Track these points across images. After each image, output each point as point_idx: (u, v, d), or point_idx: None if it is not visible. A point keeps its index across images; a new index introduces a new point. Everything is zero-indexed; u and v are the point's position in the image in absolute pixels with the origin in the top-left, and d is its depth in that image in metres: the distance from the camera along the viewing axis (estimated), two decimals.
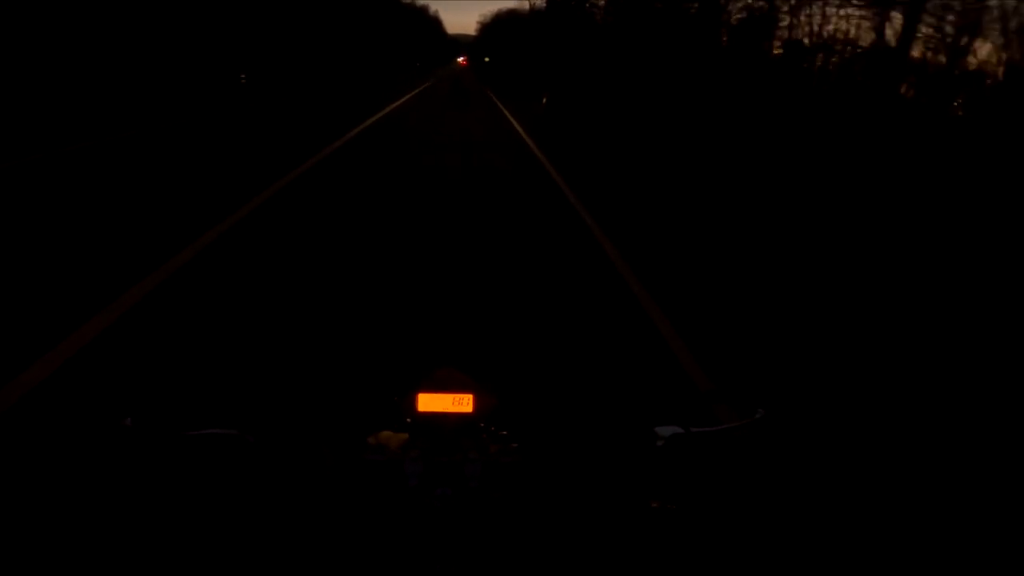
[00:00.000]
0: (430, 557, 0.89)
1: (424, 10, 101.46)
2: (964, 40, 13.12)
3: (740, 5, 19.74)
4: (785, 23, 17.83)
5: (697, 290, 4.83)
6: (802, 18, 17.26)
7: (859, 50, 15.60)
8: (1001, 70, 12.26)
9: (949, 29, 13.37)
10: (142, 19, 19.37)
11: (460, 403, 0.94)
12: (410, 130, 15.14)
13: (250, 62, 24.79)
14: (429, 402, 0.94)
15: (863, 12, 15.39)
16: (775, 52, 18.20)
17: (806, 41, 17.18)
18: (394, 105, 21.73)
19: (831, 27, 16.67)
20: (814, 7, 16.80)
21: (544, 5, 37.61)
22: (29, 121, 11.17)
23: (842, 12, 16.13)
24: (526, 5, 44.79)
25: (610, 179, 9.78)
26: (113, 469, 2.12)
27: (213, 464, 0.95)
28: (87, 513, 2.01)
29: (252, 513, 0.95)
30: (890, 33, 14.64)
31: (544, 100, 22.93)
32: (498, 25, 70.37)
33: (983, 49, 12.70)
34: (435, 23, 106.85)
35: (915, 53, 13.99)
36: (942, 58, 13.47)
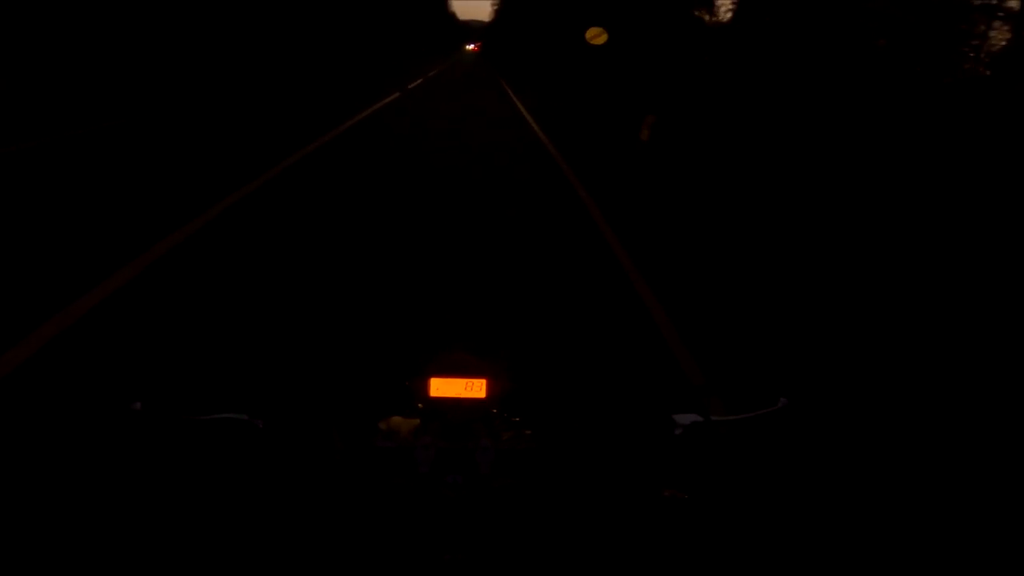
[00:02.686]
0: (440, 544, 0.87)
1: None
2: None
3: None
4: None
5: None
6: None
7: None
8: None
9: None
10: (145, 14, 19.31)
11: (473, 388, 0.92)
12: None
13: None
14: (441, 387, 0.92)
15: None
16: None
17: None
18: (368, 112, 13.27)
19: None
20: None
21: None
22: (67, 102, 11.42)
23: None
24: None
25: None
26: (122, 453, 2.13)
27: (222, 449, 0.93)
28: (95, 497, 2.01)
29: (261, 498, 0.93)
30: None
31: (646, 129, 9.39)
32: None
33: None
34: (439, 4, 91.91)
35: None
36: None
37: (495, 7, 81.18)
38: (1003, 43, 13.47)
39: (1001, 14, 13.53)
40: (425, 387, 0.92)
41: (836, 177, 8.97)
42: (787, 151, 10.72)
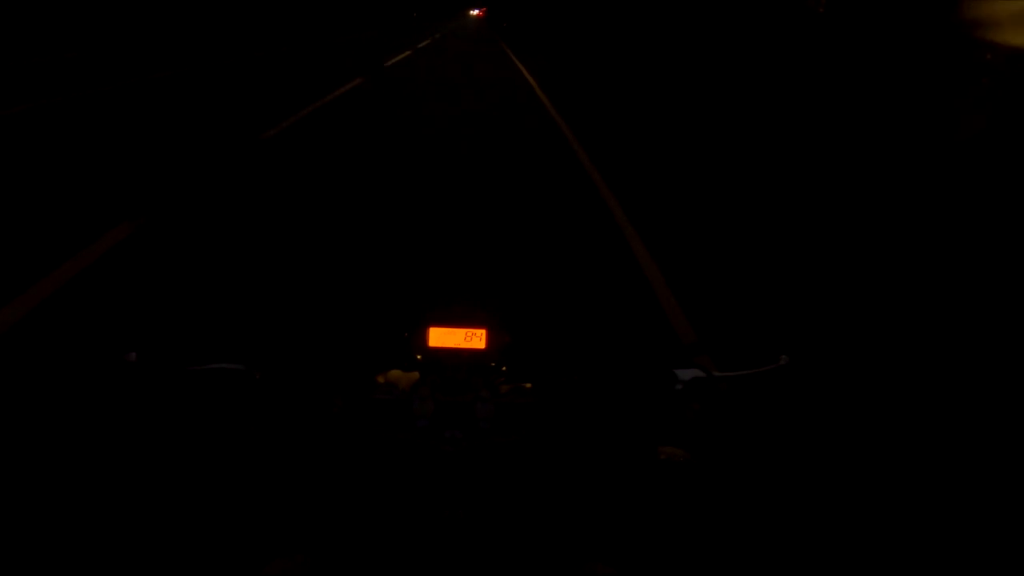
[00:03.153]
0: (439, 499, 0.87)
1: None
2: None
3: None
4: None
5: None
6: None
7: None
8: None
9: None
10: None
11: (472, 338, 0.90)
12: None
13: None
14: (441, 337, 0.90)
15: None
16: None
17: None
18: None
19: None
20: None
21: None
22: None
23: None
24: None
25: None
26: (117, 403, 2.13)
27: (218, 400, 0.93)
28: (91, 448, 2.02)
29: (257, 450, 0.93)
30: None
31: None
32: None
33: None
34: None
35: None
36: None
37: None
38: None
39: None
40: (424, 337, 0.91)
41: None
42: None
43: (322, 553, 0.88)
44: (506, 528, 0.89)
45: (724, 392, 0.97)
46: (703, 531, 1.89)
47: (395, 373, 0.96)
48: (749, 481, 2.15)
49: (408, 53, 20.79)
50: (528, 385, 0.95)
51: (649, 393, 0.95)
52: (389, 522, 0.87)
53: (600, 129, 9.30)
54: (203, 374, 0.92)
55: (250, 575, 0.86)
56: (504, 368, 0.95)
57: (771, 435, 2.37)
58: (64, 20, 17.73)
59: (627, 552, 1.38)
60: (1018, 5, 7.97)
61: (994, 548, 2.03)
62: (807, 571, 1.91)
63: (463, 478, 0.88)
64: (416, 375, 0.94)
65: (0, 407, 2.23)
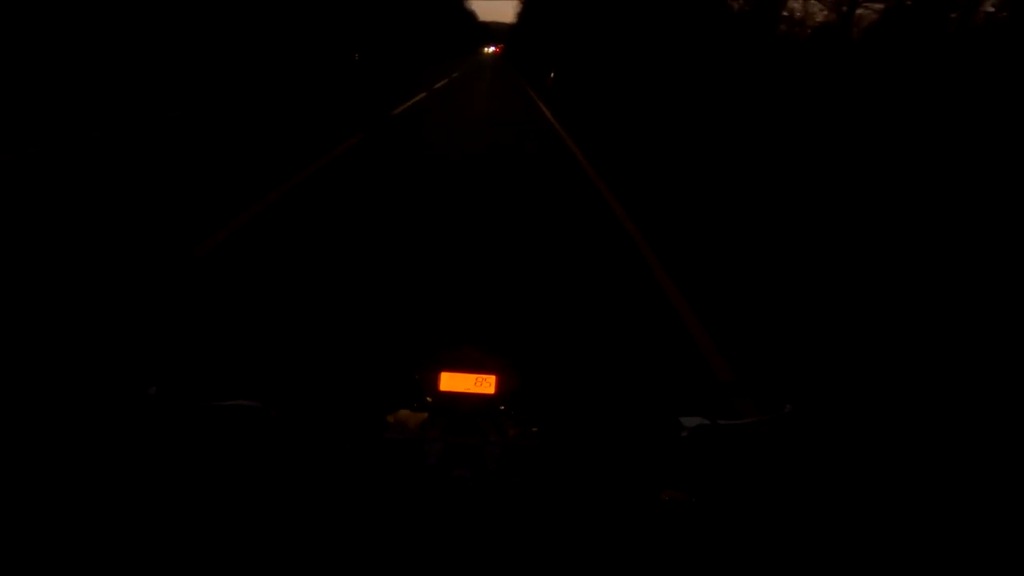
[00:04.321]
0: (445, 539, 0.88)
1: None
2: None
3: None
4: None
5: None
6: None
7: None
8: None
9: None
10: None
11: (482, 384, 0.93)
12: None
13: None
14: (451, 381, 0.93)
15: None
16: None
17: None
18: None
19: None
20: None
21: None
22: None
23: None
24: None
25: None
26: (136, 437, 2.16)
27: (235, 435, 0.95)
28: (109, 480, 2.04)
29: (271, 486, 0.95)
30: None
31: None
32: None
33: None
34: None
35: None
36: None
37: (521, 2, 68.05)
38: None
39: None
40: (435, 381, 0.93)
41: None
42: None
43: None
44: (512, 566, 0.90)
45: (728, 439, 0.98)
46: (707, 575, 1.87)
47: (405, 413, 0.98)
48: (753, 526, 2.13)
49: (422, 96, 17.81)
50: (535, 429, 0.97)
51: (654, 440, 0.97)
52: (398, 559, 0.89)
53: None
54: (221, 410, 0.95)
55: None
56: (512, 412, 0.98)
57: (775, 481, 2.36)
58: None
59: None
60: None
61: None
62: None
63: (470, 517, 0.90)
64: (426, 416, 0.97)
65: (20, 433, 2.26)
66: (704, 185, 8.45)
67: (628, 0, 21.87)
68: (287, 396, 0.97)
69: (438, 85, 22.49)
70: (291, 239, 4.80)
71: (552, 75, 27.51)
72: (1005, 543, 2.19)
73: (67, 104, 10.08)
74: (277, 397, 0.97)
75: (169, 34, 18.36)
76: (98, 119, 8.99)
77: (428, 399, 0.95)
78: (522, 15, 67.24)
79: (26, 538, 1.84)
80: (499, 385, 0.93)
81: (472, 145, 10.30)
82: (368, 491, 0.94)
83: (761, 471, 2.35)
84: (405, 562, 0.88)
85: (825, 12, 15.65)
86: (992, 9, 11.59)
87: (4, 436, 2.26)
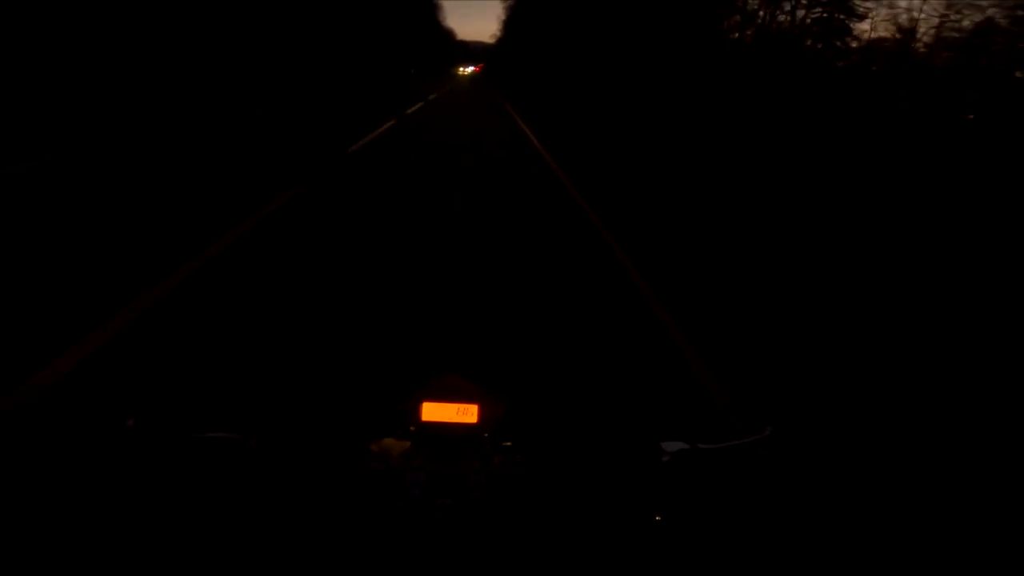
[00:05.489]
0: (430, 568, 0.88)
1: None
2: None
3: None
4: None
5: None
6: None
7: None
8: None
9: None
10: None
11: (465, 413, 0.93)
12: None
13: None
14: (433, 411, 0.93)
15: None
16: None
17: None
18: None
19: None
20: None
21: None
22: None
23: None
24: None
25: None
26: (114, 470, 2.12)
27: (214, 468, 0.94)
28: (87, 514, 2.00)
29: (252, 518, 0.94)
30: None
31: None
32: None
33: None
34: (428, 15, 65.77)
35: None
36: None
37: (502, 21, 64.74)
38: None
39: None
40: (417, 411, 0.93)
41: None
42: None
43: None
44: None
45: (710, 463, 0.99)
46: None
47: (388, 442, 0.98)
48: (735, 548, 2.14)
49: (390, 124, 14.40)
50: (519, 456, 0.97)
51: (636, 465, 0.97)
52: None
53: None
54: (200, 443, 0.94)
55: None
56: (496, 439, 0.98)
57: (757, 503, 2.37)
58: None
59: None
60: None
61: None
62: None
63: (454, 545, 0.90)
64: (408, 445, 0.96)
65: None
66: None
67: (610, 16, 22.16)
68: (266, 428, 0.97)
69: (412, 110, 19.74)
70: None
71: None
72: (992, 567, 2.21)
73: None
74: (256, 429, 0.96)
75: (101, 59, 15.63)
76: None
77: (411, 429, 0.95)
78: (504, 31, 64.34)
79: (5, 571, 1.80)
80: (481, 414, 0.93)
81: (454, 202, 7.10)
82: (351, 521, 0.93)
83: (743, 493, 2.36)
84: None
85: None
86: None
87: None
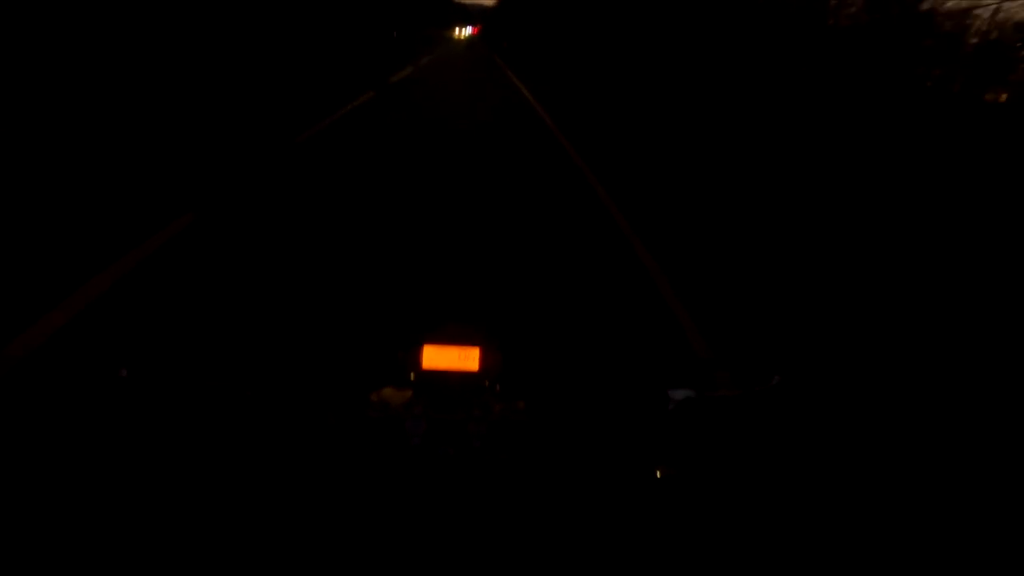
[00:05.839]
0: (431, 516, 0.87)
1: None
2: None
3: None
4: None
5: None
6: None
7: None
8: None
9: None
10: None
11: (466, 358, 0.91)
12: None
13: None
14: (434, 356, 0.91)
15: None
16: None
17: None
18: None
19: None
20: None
21: None
22: None
23: None
24: None
25: None
26: (107, 419, 2.11)
27: (209, 417, 0.92)
28: (80, 463, 2.00)
29: (249, 468, 0.92)
30: None
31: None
32: None
33: None
34: None
35: None
36: None
37: None
38: None
39: None
40: (418, 357, 0.91)
41: None
42: None
43: (316, 567, 0.87)
44: (498, 543, 0.88)
45: (716, 411, 0.97)
46: (696, 549, 1.88)
47: (388, 391, 0.96)
48: (741, 499, 2.15)
49: (368, 97, 11.77)
50: (521, 404, 0.95)
51: (641, 413, 0.95)
52: (383, 537, 0.87)
53: None
54: (194, 392, 0.92)
55: None
56: (497, 387, 0.96)
57: (763, 453, 2.37)
58: None
59: (620, 567, 1.37)
60: None
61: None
62: None
63: (456, 495, 0.88)
64: (409, 393, 0.95)
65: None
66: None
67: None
68: (263, 376, 0.95)
69: (397, 78, 16.63)
70: None
71: (505, 44, 27.24)
72: (997, 531, 2.22)
73: None
74: (253, 378, 0.94)
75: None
76: None
77: (411, 376, 0.93)
78: None
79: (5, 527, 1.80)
80: (483, 360, 0.91)
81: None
82: (351, 469, 0.92)
83: (749, 443, 2.36)
84: (391, 539, 0.86)
85: None
86: None
87: None
